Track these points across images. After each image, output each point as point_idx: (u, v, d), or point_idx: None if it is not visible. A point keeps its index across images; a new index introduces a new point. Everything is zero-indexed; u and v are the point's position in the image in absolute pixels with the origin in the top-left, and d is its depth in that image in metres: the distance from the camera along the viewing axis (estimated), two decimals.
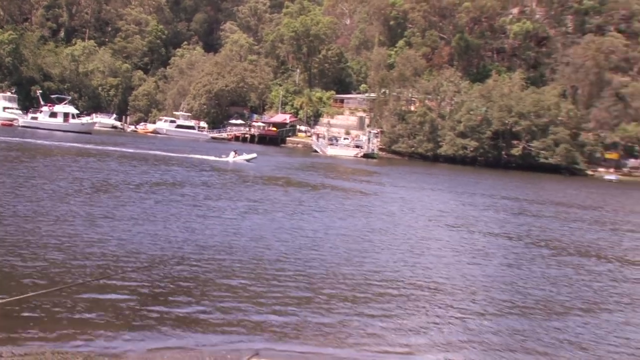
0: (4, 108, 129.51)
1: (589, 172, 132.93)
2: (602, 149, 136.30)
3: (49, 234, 23.00)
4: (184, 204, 35.30)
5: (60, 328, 13.55)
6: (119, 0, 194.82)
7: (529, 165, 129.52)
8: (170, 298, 16.57)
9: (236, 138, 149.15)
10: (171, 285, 17.77)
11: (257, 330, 14.81)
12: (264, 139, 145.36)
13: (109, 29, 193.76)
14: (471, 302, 19.40)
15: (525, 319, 18.07)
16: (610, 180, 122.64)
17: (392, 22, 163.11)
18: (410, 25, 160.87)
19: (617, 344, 16.72)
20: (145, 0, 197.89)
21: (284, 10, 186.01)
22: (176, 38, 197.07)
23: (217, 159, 75.18)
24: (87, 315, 14.54)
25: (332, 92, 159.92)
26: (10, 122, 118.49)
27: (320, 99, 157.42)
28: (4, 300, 13.41)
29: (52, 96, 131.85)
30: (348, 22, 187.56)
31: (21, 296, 13.86)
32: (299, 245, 25.84)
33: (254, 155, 78.92)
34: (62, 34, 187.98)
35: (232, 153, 76.96)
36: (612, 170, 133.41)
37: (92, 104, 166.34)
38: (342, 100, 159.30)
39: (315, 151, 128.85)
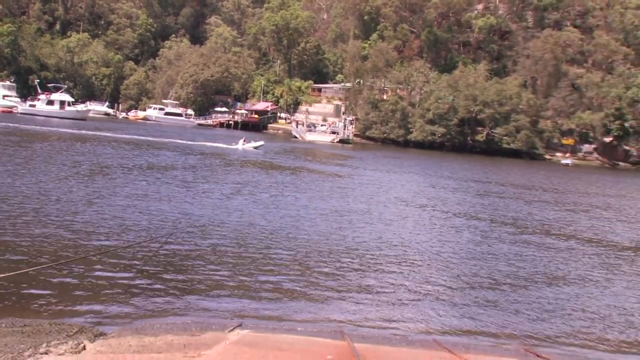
0: (4, 96, 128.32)
1: (547, 157, 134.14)
2: (559, 135, 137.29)
3: (49, 212, 22.81)
4: (175, 185, 35.11)
5: (58, 301, 13.42)
6: None
7: (492, 150, 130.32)
8: (161, 273, 16.46)
9: (221, 125, 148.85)
10: (162, 261, 17.65)
11: (241, 303, 14.74)
12: (246, 126, 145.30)
13: (102, 22, 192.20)
14: (444, 276, 19.44)
15: (494, 291, 18.15)
16: (566, 164, 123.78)
17: (366, 17, 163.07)
18: (382, 20, 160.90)
19: (576, 311, 16.87)
20: None
21: (266, 5, 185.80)
22: (164, 31, 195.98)
23: (227, 146, 74.70)
24: (84, 289, 14.41)
25: (310, 81, 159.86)
26: (9, 110, 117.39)
27: (299, 88, 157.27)
28: (4, 275, 13.25)
29: (49, 85, 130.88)
30: (325, 16, 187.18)
31: (21, 271, 13.72)
32: (281, 223, 25.78)
33: (262, 142, 78.85)
34: (57, 26, 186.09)
35: (241, 141, 76.46)
36: (568, 155, 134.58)
37: (86, 93, 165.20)
38: (319, 90, 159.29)
39: (295, 137, 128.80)
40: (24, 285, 14.03)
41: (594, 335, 15.13)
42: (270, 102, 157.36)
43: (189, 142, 76.88)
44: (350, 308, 15.22)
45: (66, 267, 15.68)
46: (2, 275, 13.24)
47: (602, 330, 15.52)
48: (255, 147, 75.17)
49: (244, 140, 76.87)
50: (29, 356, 9.19)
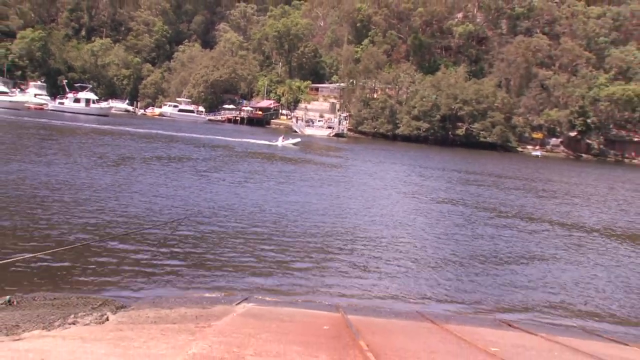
0: (35, 95, 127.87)
1: (519, 149, 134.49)
2: (530, 130, 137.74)
3: (78, 198, 22.81)
4: (190, 173, 35.07)
5: (85, 277, 13.39)
6: (131, 4, 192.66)
7: (470, 143, 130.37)
8: (176, 252, 16.42)
9: (229, 120, 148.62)
10: (179, 242, 17.62)
11: (247, 279, 14.71)
12: (251, 121, 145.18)
13: (123, 28, 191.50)
14: (428, 255, 19.44)
15: (473, 268, 18.14)
16: (536, 156, 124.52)
17: (358, 24, 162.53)
18: (373, 27, 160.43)
19: (546, 285, 16.87)
20: (152, 5, 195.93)
21: (269, 13, 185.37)
22: (178, 36, 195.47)
23: (269, 143, 74.47)
24: (107, 267, 14.37)
25: (309, 82, 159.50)
26: (41, 107, 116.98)
27: (299, 87, 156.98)
28: (40, 254, 13.22)
29: (76, 85, 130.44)
30: (322, 23, 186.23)
31: (51, 250, 13.68)
32: (285, 208, 25.75)
33: (299, 139, 79.06)
34: (83, 32, 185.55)
35: (280, 138, 76.45)
36: (537, 147, 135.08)
37: (109, 92, 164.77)
38: (317, 89, 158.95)
39: (295, 131, 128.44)
40: (55, 263, 13.99)
41: (562, 306, 15.14)
42: (273, 100, 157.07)
43: (239, 140, 76.30)
44: (345, 283, 15.20)
45: (92, 247, 15.64)
46: (34, 254, 13.22)
47: (568, 302, 15.52)
48: (293, 144, 75.15)
49: (283, 138, 76.89)
50: (59, 326, 9.17)
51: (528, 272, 18.42)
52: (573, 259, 21.24)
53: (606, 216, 35.17)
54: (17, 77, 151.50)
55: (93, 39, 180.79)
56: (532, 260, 20.29)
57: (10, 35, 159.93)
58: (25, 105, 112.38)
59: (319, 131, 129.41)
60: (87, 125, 78.25)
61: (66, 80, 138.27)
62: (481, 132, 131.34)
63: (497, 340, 9.95)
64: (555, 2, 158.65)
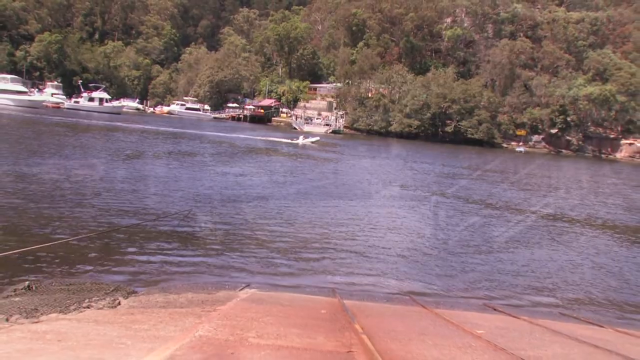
0: (53, 94, 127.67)
1: (504, 145, 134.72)
2: (514, 127, 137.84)
3: (93, 190, 22.77)
4: (199, 167, 35.02)
5: (98, 265, 13.39)
6: (141, 10, 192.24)
7: (459, 139, 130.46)
8: (184, 241, 16.42)
9: (232, 118, 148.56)
10: (187, 231, 17.61)
11: (251, 266, 14.72)
12: (254, 119, 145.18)
13: (133, 32, 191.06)
14: (419, 243, 19.44)
15: (461, 256, 18.15)
16: (519, 152, 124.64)
17: (354, 28, 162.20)
18: (368, 31, 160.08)
19: (529, 271, 16.89)
20: (161, 10, 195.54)
21: (270, 18, 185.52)
22: (186, 39, 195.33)
23: (290, 141, 74.19)
24: (119, 255, 14.37)
25: (307, 82, 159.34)
26: (57, 105, 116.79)
27: (298, 87, 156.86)
28: (56, 242, 13.22)
29: (90, 85, 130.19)
30: (320, 27, 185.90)
31: (67, 240, 13.69)
32: (291, 198, 25.80)
33: (318, 138, 78.66)
34: (97, 36, 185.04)
35: (302, 137, 76.11)
36: (521, 143, 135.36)
37: (120, 91, 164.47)
38: (315, 89, 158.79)
39: (295, 128, 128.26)
40: (70, 252, 13.99)
41: (543, 291, 15.16)
42: (274, 99, 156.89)
43: (259, 137, 76.10)
44: (341, 270, 15.20)
45: (105, 237, 15.65)
46: (51, 243, 13.22)
47: (550, 287, 15.54)
48: (312, 142, 74.81)
49: (304, 137, 76.61)
50: (74, 309, 9.18)
51: (513, 260, 18.44)
52: (555, 247, 21.25)
53: (587, 209, 35.20)
54: (35, 78, 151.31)
55: (106, 41, 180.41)
56: (517, 249, 20.30)
57: (29, 38, 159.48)
58: (43, 104, 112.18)
59: (316, 128, 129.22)
60: (100, 122, 78.14)
61: (81, 81, 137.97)
62: (468, 129, 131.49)
63: (483, 323, 9.97)
64: (538, 8, 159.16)
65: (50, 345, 6.88)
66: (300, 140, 74.45)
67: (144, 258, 14.34)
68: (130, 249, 14.95)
